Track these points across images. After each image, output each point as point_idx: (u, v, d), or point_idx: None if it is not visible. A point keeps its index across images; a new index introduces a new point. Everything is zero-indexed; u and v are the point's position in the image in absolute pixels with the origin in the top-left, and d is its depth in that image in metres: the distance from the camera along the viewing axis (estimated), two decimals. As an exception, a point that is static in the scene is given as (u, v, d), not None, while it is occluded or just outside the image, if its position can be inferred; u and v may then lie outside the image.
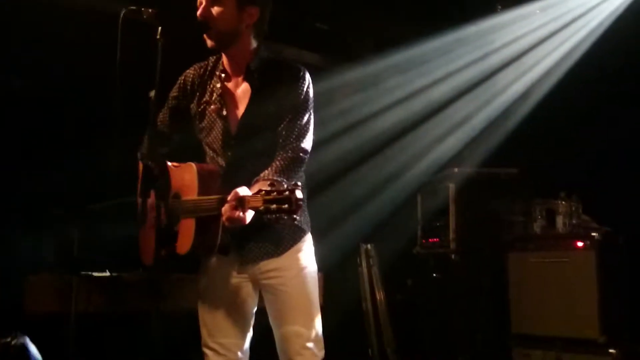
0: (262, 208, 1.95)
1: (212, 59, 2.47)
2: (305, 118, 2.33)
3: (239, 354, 2.39)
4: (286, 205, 1.92)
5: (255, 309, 2.45)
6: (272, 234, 2.34)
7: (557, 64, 4.67)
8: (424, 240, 4.86)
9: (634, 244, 4.07)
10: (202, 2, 2.28)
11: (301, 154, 2.30)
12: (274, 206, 1.93)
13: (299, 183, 1.97)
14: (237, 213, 2.03)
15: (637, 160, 4.33)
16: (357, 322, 5.14)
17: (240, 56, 2.36)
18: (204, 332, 2.39)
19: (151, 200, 2.33)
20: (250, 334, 2.44)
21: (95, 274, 3.39)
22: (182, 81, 2.48)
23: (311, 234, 2.49)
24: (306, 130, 2.33)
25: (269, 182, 2.02)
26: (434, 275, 4.61)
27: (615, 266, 3.94)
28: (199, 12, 2.27)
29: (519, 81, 4.79)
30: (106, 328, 3.42)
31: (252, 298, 2.42)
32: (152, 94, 2.39)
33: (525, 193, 4.46)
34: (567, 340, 3.86)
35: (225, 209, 2.05)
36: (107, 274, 3.43)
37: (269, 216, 1.98)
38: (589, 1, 4.60)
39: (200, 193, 2.22)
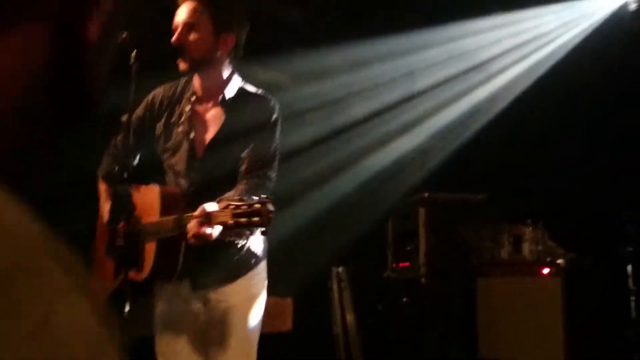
0: (231, 222, 1.94)
1: (182, 80, 2.46)
2: (272, 148, 2.35)
3: None
4: (256, 219, 1.91)
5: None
6: (226, 259, 2.31)
7: (525, 91, 4.76)
8: (394, 264, 4.89)
9: (599, 270, 4.16)
10: (177, 27, 2.28)
11: (267, 182, 2.30)
12: (244, 220, 1.92)
13: (270, 197, 1.97)
14: (203, 229, 2.00)
15: (600, 188, 4.44)
16: (327, 346, 5.14)
17: (213, 81, 2.36)
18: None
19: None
20: None
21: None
22: (149, 100, 2.45)
23: (281, 256, 2.50)
24: (272, 160, 2.35)
25: (237, 198, 2.01)
26: (404, 299, 4.63)
27: (580, 292, 4.02)
28: (174, 37, 2.27)
29: (487, 109, 4.88)
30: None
31: (205, 324, 2.34)
32: (125, 118, 2.40)
33: (494, 218, 4.52)
34: (533, 365, 3.90)
35: (191, 225, 2.03)
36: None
37: (238, 230, 1.98)
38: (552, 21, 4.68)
39: (162, 215, 2.20)
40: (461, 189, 4.67)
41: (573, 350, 3.84)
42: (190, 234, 2.04)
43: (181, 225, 2.08)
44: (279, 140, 2.40)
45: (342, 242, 4.95)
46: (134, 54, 2.21)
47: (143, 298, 2.43)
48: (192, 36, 2.27)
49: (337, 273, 5.48)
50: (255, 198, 1.97)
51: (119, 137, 2.43)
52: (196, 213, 2.03)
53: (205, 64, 2.33)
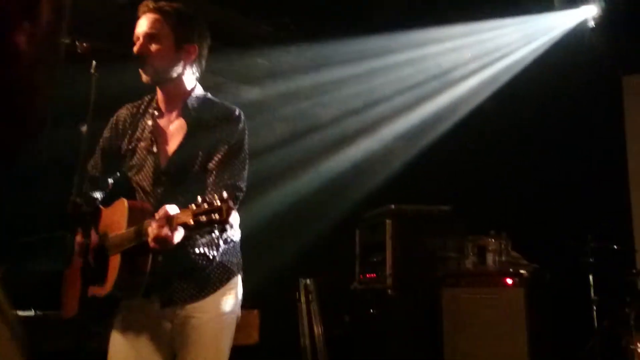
0: (191, 222, 1.89)
1: (146, 98, 2.43)
2: (240, 158, 2.31)
3: None
4: (216, 215, 1.86)
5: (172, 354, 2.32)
6: (198, 275, 2.25)
7: (485, 101, 4.83)
8: (361, 276, 4.90)
9: (560, 281, 4.23)
10: (139, 38, 2.25)
11: (236, 192, 2.24)
12: (204, 218, 1.87)
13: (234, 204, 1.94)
14: (164, 231, 1.94)
15: (561, 199, 4.53)
16: (295, 358, 5.12)
17: (175, 93, 2.33)
18: None
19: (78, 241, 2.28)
20: None
21: (21, 312, 3.28)
22: (114, 122, 2.43)
23: (247, 268, 2.43)
24: (241, 170, 2.30)
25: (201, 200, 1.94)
26: (371, 310, 4.64)
27: (543, 302, 4.07)
28: (135, 48, 2.24)
29: (448, 119, 4.93)
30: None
31: (170, 342, 2.27)
32: (84, 128, 2.37)
33: (459, 230, 4.57)
34: (498, 375, 3.94)
35: (152, 228, 1.96)
36: (33, 312, 3.30)
37: (200, 230, 1.92)
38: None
39: (129, 227, 2.14)
40: (425, 201, 4.72)
41: (537, 359, 3.88)
42: (150, 238, 1.97)
43: (141, 233, 2.03)
44: (247, 150, 2.36)
45: (308, 254, 4.96)
46: (94, 64, 2.19)
47: (107, 315, 2.40)
48: (154, 47, 2.24)
49: (305, 285, 5.48)
50: (217, 196, 1.91)
51: (90, 163, 2.42)
52: (156, 216, 1.98)
53: (167, 75, 2.30)
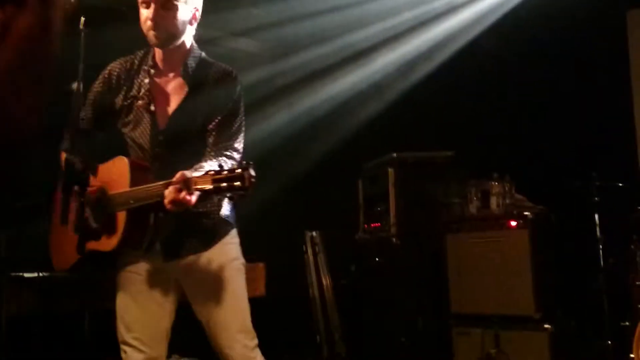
0: (210, 187, 1.94)
1: (139, 53, 2.45)
2: (238, 119, 2.39)
3: (159, 349, 2.37)
4: (238, 183, 1.91)
5: (176, 304, 2.42)
6: (199, 228, 2.33)
7: (485, 40, 4.67)
8: (365, 226, 4.90)
9: (566, 221, 4.20)
10: (150, 4, 2.26)
11: (235, 154, 2.32)
12: (224, 184, 1.92)
13: (251, 162, 1.96)
14: (182, 195, 2.00)
15: (565, 138, 4.46)
16: (304, 309, 5.17)
17: (178, 53, 2.37)
18: (121, 329, 2.35)
19: (73, 197, 2.29)
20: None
21: (26, 274, 3.31)
22: (106, 75, 2.44)
23: (252, 222, 2.57)
24: (239, 131, 2.38)
25: (217, 164, 2.02)
26: (377, 259, 4.65)
27: (548, 243, 4.06)
28: (151, 13, 2.26)
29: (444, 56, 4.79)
30: (39, 330, 3.35)
31: (174, 293, 2.39)
32: (75, 86, 2.35)
33: (461, 175, 4.53)
34: (504, 317, 3.95)
35: (169, 191, 2.03)
36: (36, 274, 3.34)
37: (219, 195, 1.98)
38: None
39: (132, 186, 2.19)
40: (426, 147, 4.67)
41: (543, 300, 3.89)
42: (167, 200, 2.03)
43: (155, 194, 2.08)
44: (244, 111, 2.43)
45: (313, 207, 4.96)
46: (82, 20, 2.17)
47: (106, 269, 2.44)
48: (171, 13, 2.27)
49: (311, 237, 5.50)
50: (235, 164, 2.00)
51: (78, 113, 2.39)
52: (174, 179, 2.03)
53: (178, 39, 2.35)
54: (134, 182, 2.19)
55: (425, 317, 4.35)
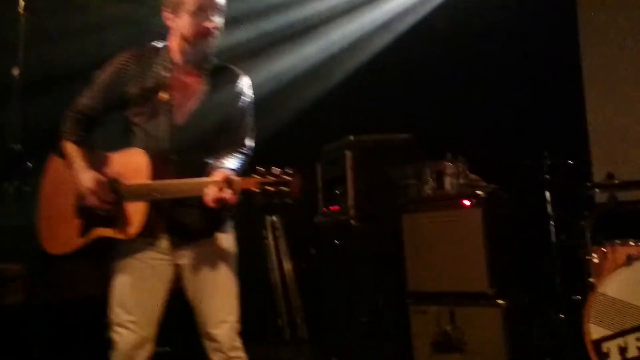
0: (256, 190, 2.08)
1: (151, 45, 2.54)
2: (251, 120, 2.58)
3: (151, 330, 2.48)
4: (286, 189, 2.07)
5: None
6: (207, 216, 2.42)
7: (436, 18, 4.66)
8: (324, 209, 4.93)
9: (518, 199, 4.29)
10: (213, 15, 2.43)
11: (249, 153, 2.54)
12: (271, 188, 2.07)
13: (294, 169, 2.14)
14: (226, 194, 2.14)
15: (516, 118, 4.53)
16: (265, 293, 5.19)
17: (199, 53, 2.48)
18: (118, 311, 2.43)
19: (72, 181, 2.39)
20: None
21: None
22: (119, 66, 2.49)
23: None
24: (252, 131, 2.57)
25: (235, 162, 2.25)
26: (336, 242, 4.69)
27: (501, 221, 4.13)
28: (220, 25, 2.47)
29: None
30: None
31: (172, 278, 2.51)
32: (16, 72, 2.34)
33: (418, 157, 4.59)
34: (459, 294, 4.03)
35: (213, 189, 2.16)
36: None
37: (263, 199, 2.10)
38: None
39: (153, 178, 2.32)
40: (383, 130, 4.70)
41: (496, 276, 3.97)
42: (211, 198, 2.17)
43: (195, 190, 2.23)
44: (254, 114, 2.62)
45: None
46: (22, 4, 2.16)
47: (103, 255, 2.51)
48: (219, 22, 2.47)
49: (272, 222, 5.52)
50: (279, 170, 2.12)
51: (83, 100, 2.50)
52: (218, 178, 2.17)
53: None
54: (156, 176, 2.32)
55: (385, 297, 4.41)
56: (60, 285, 3.20)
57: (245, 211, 4.95)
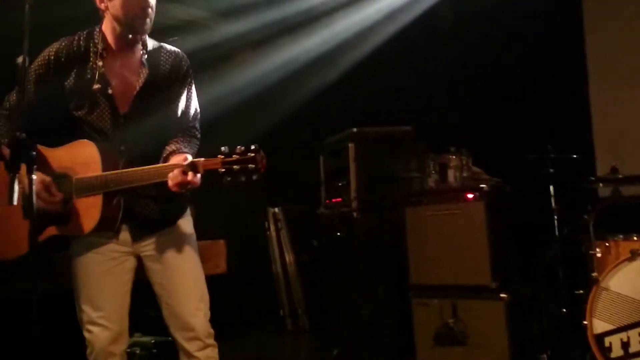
0: (221, 169, 2.02)
1: (82, 34, 2.41)
2: (195, 102, 2.50)
3: (123, 324, 2.43)
4: (252, 165, 2.00)
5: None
6: (166, 206, 2.39)
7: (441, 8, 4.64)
8: (327, 201, 4.93)
9: (522, 192, 4.28)
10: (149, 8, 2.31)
11: (198, 135, 2.48)
12: (236, 166, 2.00)
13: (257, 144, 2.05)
14: (188, 177, 2.09)
15: (521, 111, 4.51)
16: (267, 285, 5.21)
17: (137, 36, 2.37)
18: (87, 309, 2.37)
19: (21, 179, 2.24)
20: None
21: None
22: (51, 57, 2.37)
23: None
24: (197, 113, 2.51)
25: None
26: (338, 234, 4.69)
27: (504, 215, 4.12)
28: (154, 4, 2.33)
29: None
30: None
31: (134, 270, 2.46)
32: (20, 60, 2.30)
33: (421, 149, 4.58)
34: (462, 287, 4.02)
35: (174, 174, 2.11)
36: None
37: (229, 178, 2.04)
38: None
39: (104, 169, 2.22)
40: (386, 122, 4.69)
41: (499, 269, 3.97)
42: (174, 182, 2.11)
43: (156, 175, 2.16)
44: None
45: (275, 184, 4.95)
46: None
47: (61, 251, 2.44)
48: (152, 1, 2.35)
49: (274, 213, 5.53)
50: (242, 147, 2.04)
51: (14, 97, 2.38)
52: (180, 162, 2.13)
53: None
54: (105, 165, 2.22)
55: (387, 289, 4.41)
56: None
57: (247, 202, 4.99)
